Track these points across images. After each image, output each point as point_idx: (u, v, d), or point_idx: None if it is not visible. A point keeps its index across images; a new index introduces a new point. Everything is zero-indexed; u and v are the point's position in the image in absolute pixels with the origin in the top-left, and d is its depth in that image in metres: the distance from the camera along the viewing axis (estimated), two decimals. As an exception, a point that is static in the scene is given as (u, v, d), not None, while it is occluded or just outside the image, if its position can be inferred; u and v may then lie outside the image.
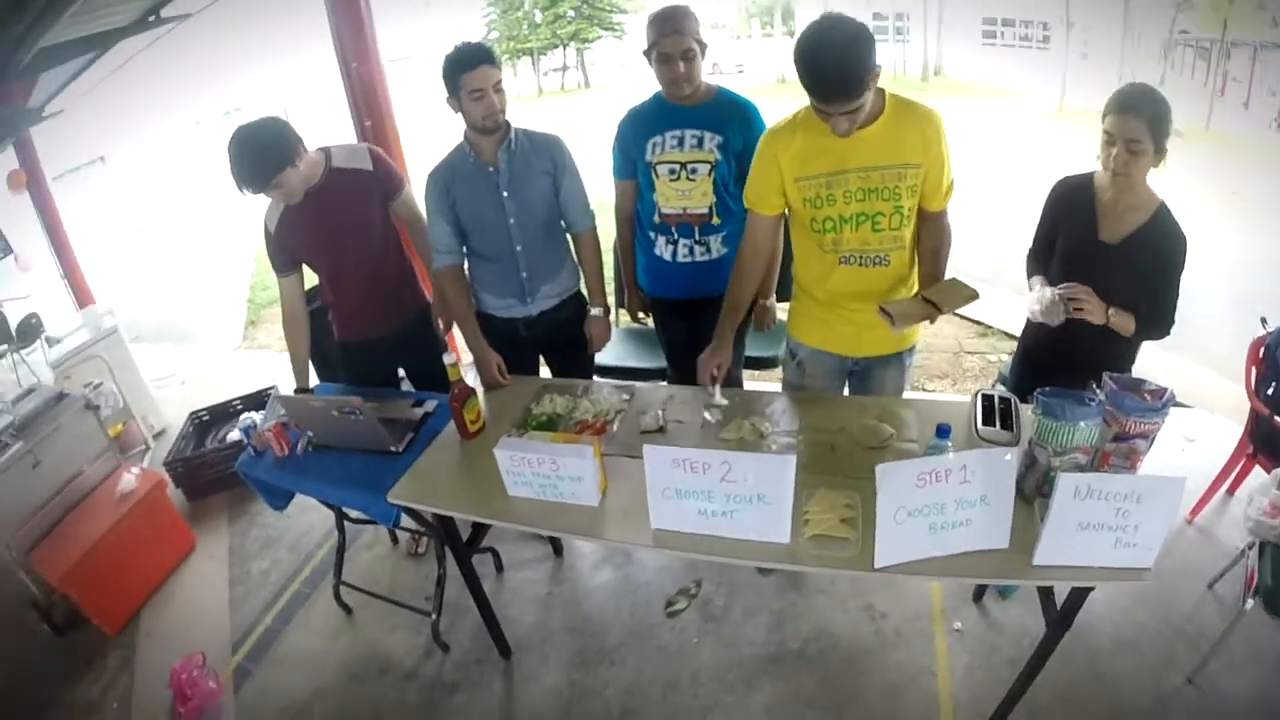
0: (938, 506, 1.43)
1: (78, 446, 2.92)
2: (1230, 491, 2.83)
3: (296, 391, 2.43)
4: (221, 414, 3.68)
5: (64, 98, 4.75)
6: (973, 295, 1.83)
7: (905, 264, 1.99)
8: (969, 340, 4.46)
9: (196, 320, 6.37)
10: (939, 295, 1.84)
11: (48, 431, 2.80)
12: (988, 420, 1.81)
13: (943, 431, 1.56)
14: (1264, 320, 2.62)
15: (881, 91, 1.76)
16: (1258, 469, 2.69)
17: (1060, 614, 1.69)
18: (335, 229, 2.28)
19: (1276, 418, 2.48)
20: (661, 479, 1.53)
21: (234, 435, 3.46)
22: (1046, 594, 1.73)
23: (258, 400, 3.67)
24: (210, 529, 3.21)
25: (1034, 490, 1.60)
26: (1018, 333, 4.34)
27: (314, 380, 2.64)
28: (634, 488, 1.67)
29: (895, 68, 22.07)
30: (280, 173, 2.07)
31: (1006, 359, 4.18)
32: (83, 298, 5.06)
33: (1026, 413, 1.83)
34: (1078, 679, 2.13)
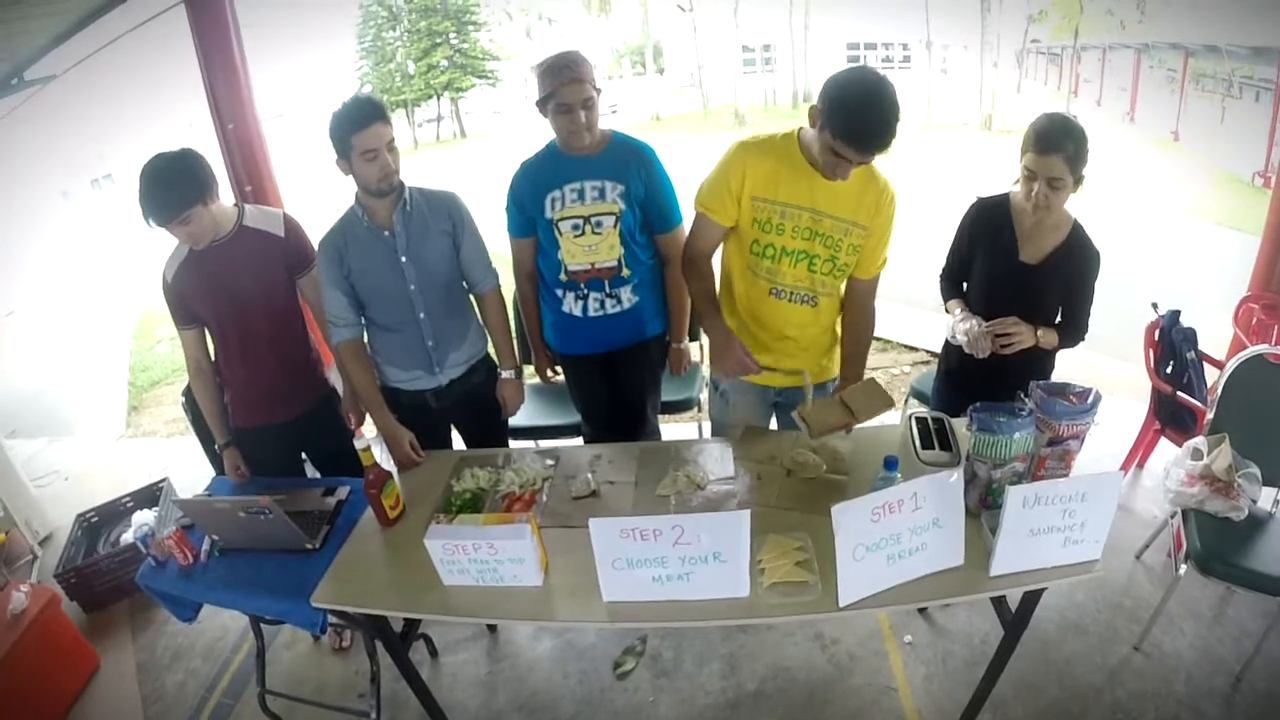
0: (894, 537, 1.44)
1: (-42, 566, 2.59)
2: (1140, 465, 2.98)
3: (221, 448, 2.26)
4: (111, 514, 3.35)
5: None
6: (889, 404, 1.87)
7: (831, 313, 2.05)
8: (869, 356, 4.55)
9: (75, 408, 5.88)
10: (857, 403, 1.85)
11: (-78, 552, 2.46)
12: (925, 443, 1.85)
13: (890, 464, 1.58)
14: (1155, 305, 2.79)
15: None
16: (1164, 442, 2.84)
17: (1016, 616, 1.73)
18: (233, 290, 2.11)
19: (1179, 394, 2.62)
20: (610, 551, 1.46)
21: (127, 537, 3.14)
22: (999, 598, 1.76)
23: (149, 496, 3.37)
24: (113, 644, 2.90)
25: (978, 504, 1.64)
26: (913, 344, 4.54)
27: (210, 471, 2.44)
28: (577, 560, 1.60)
29: (766, 97, 23.01)
30: (191, 207, 1.93)
31: (909, 370, 4.34)
32: (-51, 397, 4.57)
33: (959, 428, 1.86)
34: (1032, 668, 2.21)
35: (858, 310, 2.03)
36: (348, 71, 28.28)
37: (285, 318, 2.24)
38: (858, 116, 1.62)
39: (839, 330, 2.12)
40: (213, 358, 2.29)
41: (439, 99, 28.24)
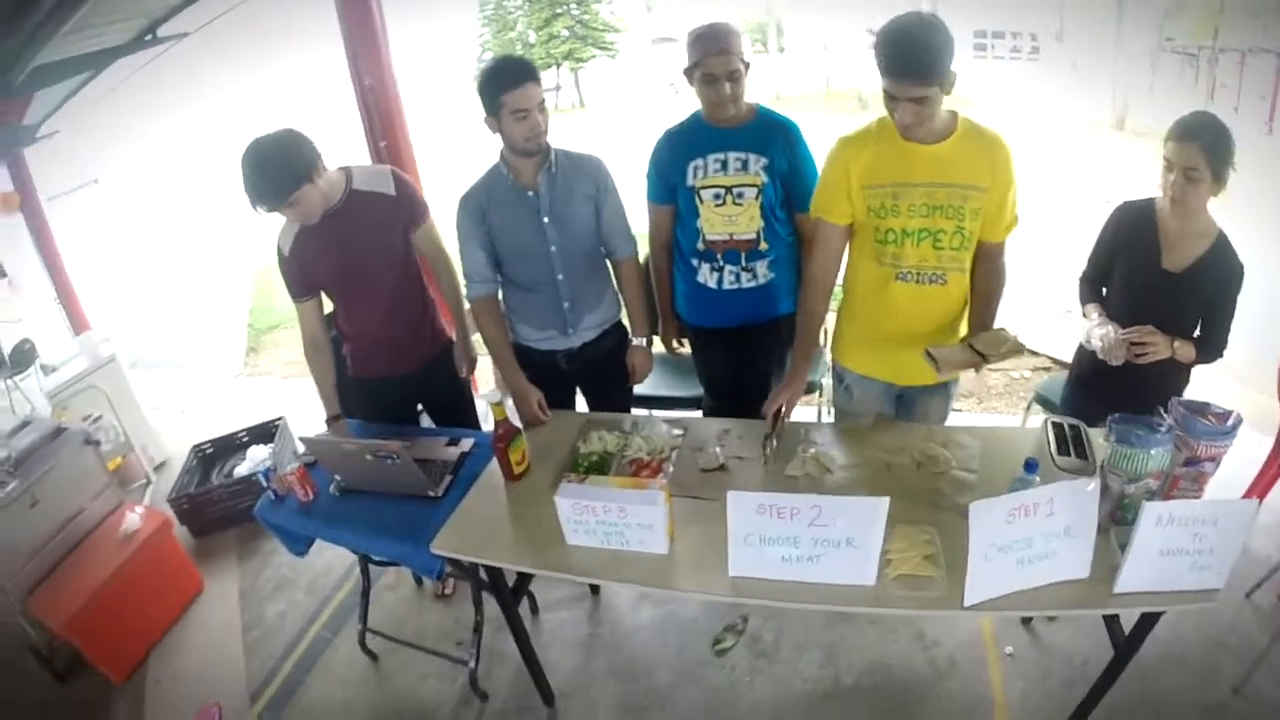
0: (1026, 541, 1.41)
1: (77, 484, 2.74)
2: (1260, 500, 2.80)
3: (328, 420, 2.28)
4: (227, 446, 3.55)
5: (58, 118, 4.57)
6: (1020, 349, 1.79)
7: (962, 290, 1.95)
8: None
9: (195, 346, 6.17)
10: (987, 345, 1.80)
11: (46, 469, 2.61)
12: (1061, 449, 1.79)
13: (1030, 466, 1.53)
14: (1295, 333, 2.61)
15: (954, 113, 1.77)
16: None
17: (1129, 638, 1.68)
18: (353, 255, 2.12)
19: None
20: (745, 525, 1.45)
21: (241, 469, 3.33)
22: (1112, 617, 1.71)
23: (264, 432, 3.53)
24: (218, 569, 3.06)
25: (1108, 518, 1.58)
26: (1034, 347, 4.33)
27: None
28: (702, 531, 1.60)
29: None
30: (297, 189, 1.90)
31: (1030, 375, 4.18)
32: (78, 323, 4.86)
33: (1094, 438, 1.81)
34: (1128, 697, 2.08)
35: (986, 264, 1.93)
36: (469, 39, 28.74)
37: (403, 275, 2.25)
38: (891, 39, 1.60)
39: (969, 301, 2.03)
40: (331, 312, 2.32)
41: (559, 68, 28.41)
